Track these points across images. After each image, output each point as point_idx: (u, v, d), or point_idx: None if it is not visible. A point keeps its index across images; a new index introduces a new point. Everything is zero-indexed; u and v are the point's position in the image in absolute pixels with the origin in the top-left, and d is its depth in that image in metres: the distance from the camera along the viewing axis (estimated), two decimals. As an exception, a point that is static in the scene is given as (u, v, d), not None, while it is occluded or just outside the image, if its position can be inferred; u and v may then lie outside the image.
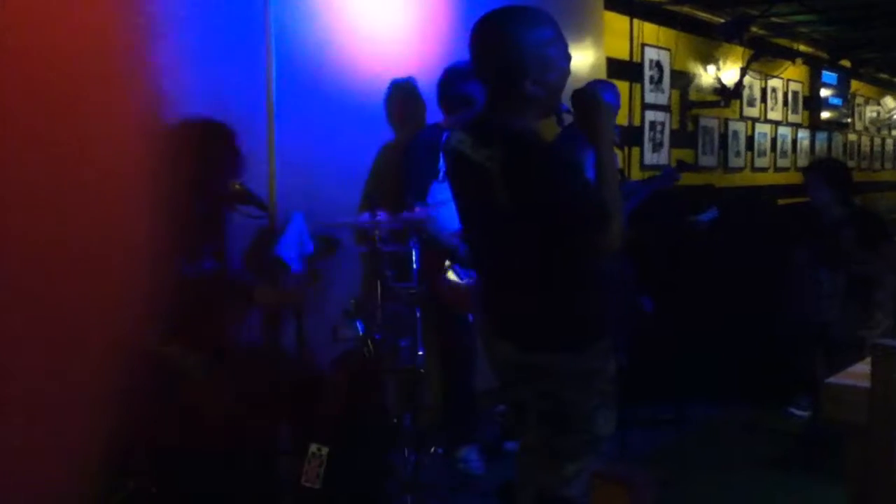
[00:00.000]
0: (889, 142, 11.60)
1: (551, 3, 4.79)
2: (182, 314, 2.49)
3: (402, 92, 4.03)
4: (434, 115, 4.00)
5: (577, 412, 2.04)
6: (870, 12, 7.14)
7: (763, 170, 8.27)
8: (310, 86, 3.65)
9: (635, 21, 6.19)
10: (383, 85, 3.97)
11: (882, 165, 11.40)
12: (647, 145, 6.42)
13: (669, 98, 6.63)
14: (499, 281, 2.15)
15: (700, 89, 7.10)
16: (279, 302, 3.09)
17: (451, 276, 3.67)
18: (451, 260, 3.64)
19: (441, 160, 3.67)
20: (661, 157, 6.51)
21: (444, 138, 3.66)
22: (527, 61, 1.92)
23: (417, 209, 3.51)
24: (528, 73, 1.93)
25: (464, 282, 3.68)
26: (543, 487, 2.12)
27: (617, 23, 5.98)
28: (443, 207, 3.67)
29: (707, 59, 7.13)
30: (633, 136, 6.18)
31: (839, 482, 2.37)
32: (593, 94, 2.03)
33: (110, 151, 0.58)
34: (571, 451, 2.08)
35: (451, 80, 3.61)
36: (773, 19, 7.18)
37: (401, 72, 4.05)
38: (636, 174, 6.09)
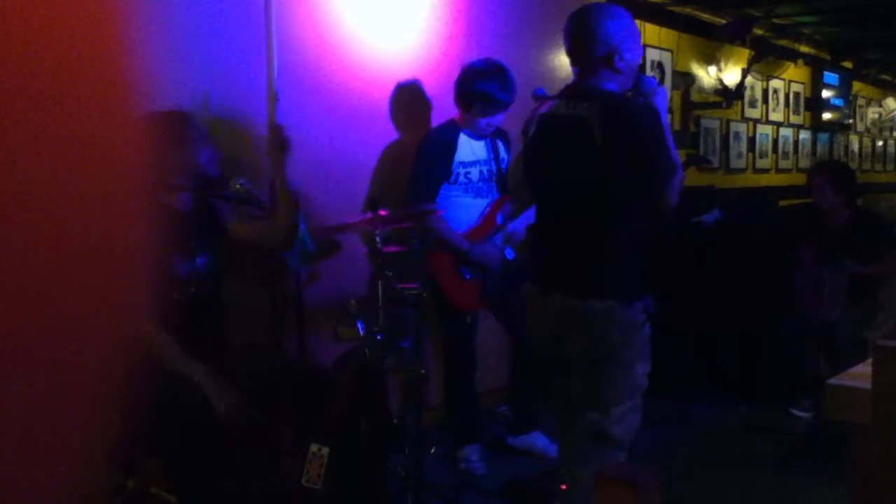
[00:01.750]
0: (891, 143, 11.59)
1: (554, 4, 4.80)
2: (184, 314, 2.50)
3: (407, 94, 4.04)
4: (438, 112, 4.02)
5: (625, 355, 2.33)
6: (871, 13, 7.13)
7: (765, 171, 8.26)
8: (312, 83, 3.65)
9: (637, 21, 6.17)
10: (387, 82, 3.97)
11: (884, 167, 11.39)
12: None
13: (671, 99, 6.62)
14: (567, 232, 2.44)
15: (702, 90, 7.09)
16: (256, 234, 3.02)
17: (460, 276, 3.68)
18: (458, 259, 3.64)
19: (453, 162, 3.67)
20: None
21: (458, 135, 3.68)
22: (616, 43, 2.38)
23: (423, 208, 3.52)
24: (618, 52, 2.38)
25: (468, 282, 3.68)
26: (591, 427, 2.36)
27: (619, 23, 5.97)
28: (454, 207, 3.67)
29: (709, 60, 7.12)
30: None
31: (841, 483, 2.37)
32: (652, 81, 2.53)
33: (107, 146, 0.58)
34: (617, 393, 2.35)
35: (470, 77, 3.62)
36: (776, 20, 7.18)
37: (404, 68, 4.05)
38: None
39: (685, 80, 6.87)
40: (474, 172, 3.70)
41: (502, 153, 3.82)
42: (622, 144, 2.27)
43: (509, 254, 3.76)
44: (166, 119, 2.61)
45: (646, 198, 2.36)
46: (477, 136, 3.70)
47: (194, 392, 2.48)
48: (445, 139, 3.66)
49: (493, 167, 3.76)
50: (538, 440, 3.90)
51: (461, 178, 3.68)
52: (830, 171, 4.58)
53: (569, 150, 2.40)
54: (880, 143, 11.18)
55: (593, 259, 2.38)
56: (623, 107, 2.37)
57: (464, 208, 3.69)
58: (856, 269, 4.23)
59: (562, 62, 4.85)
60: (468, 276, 3.67)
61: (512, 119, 3.79)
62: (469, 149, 3.69)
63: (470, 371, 3.76)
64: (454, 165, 3.65)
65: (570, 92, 2.46)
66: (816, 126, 9.11)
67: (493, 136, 3.77)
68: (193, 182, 2.71)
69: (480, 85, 3.56)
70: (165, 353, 2.44)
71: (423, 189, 3.60)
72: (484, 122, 3.63)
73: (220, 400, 2.48)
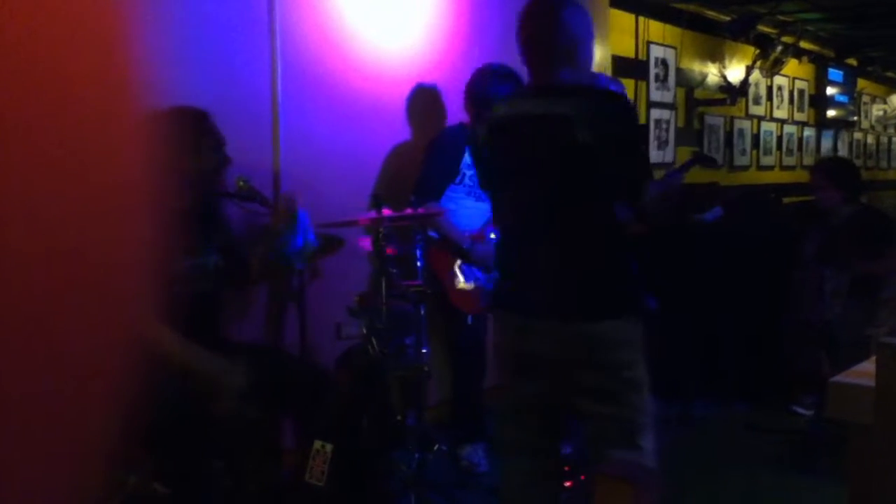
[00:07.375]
0: (895, 140, 11.56)
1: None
2: (186, 310, 2.50)
3: (411, 92, 4.05)
4: (442, 110, 4.02)
5: (640, 376, 2.16)
6: (876, 10, 7.11)
7: (769, 168, 8.25)
8: (316, 80, 3.65)
9: (641, 18, 6.17)
10: (390, 80, 3.97)
11: (888, 164, 11.37)
12: (653, 143, 6.41)
13: (675, 96, 6.61)
14: (556, 245, 2.18)
15: (706, 87, 7.08)
16: (269, 265, 3.04)
17: (459, 276, 3.68)
18: (461, 259, 3.64)
19: (462, 162, 3.66)
20: (667, 155, 6.50)
21: (467, 136, 3.66)
22: (581, 35, 2.26)
23: (429, 206, 3.52)
24: (582, 44, 2.26)
25: (472, 283, 3.68)
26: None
27: (622, 20, 5.97)
28: (457, 209, 3.67)
29: (713, 57, 7.11)
30: (638, 133, 6.16)
31: (842, 481, 2.37)
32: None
33: (111, 147, 0.58)
34: (643, 420, 2.13)
35: (486, 80, 3.58)
36: (780, 17, 7.16)
37: (407, 66, 4.05)
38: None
39: (689, 76, 6.86)
40: None
41: None
42: (613, 141, 2.11)
43: None
44: (183, 120, 2.62)
45: (633, 198, 2.18)
46: None
47: (194, 387, 2.48)
48: (456, 139, 3.65)
49: None
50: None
51: (466, 180, 3.67)
52: (832, 168, 4.56)
53: (553, 152, 2.17)
54: (885, 139, 11.16)
55: (599, 273, 2.16)
56: (608, 101, 2.24)
57: (465, 209, 3.69)
58: (859, 269, 4.22)
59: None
60: (468, 278, 3.67)
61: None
62: None
63: (476, 371, 3.76)
64: (462, 166, 3.65)
65: (534, 90, 2.31)
66: (821, 123, 9.09)
67: None
68: (203, 182, 2.71)
69: (495, 88, 3.54)
70: (172, 347, 2.43)
71: (430, 186, 3.60)
72: None
73: (224, 389, 2.48)
